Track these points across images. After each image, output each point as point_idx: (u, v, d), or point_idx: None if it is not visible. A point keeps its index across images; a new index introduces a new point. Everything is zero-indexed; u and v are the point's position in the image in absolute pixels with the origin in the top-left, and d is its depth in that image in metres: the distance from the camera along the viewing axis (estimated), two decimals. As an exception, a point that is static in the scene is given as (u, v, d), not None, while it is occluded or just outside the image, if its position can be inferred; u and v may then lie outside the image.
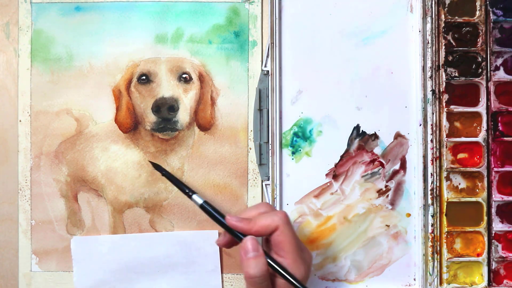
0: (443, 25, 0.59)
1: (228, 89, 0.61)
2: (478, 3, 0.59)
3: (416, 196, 0.60)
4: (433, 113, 0.59)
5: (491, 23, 0.59)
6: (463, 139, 0.59)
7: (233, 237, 0.51)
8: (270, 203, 0.59)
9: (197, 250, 0.59)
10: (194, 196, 0.54)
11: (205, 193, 0.60)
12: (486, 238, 0.59)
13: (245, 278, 0.49)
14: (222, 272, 0.60)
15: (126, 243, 0.59)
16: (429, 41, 0.59)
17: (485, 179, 0.59)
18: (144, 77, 0.60)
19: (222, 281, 0.60)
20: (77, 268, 0.59)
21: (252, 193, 0.60)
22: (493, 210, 0.59)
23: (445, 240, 0.59)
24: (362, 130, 0.60)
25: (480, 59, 0.59)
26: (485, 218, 0.59)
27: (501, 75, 0.60)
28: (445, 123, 0.59)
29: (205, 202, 0.53)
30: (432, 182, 0.59)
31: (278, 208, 0.59)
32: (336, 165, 0.60)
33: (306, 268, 0.50)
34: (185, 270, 0.59)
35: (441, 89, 0.59)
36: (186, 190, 0.55)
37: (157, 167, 0.57)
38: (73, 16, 0.60)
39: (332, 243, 0.60)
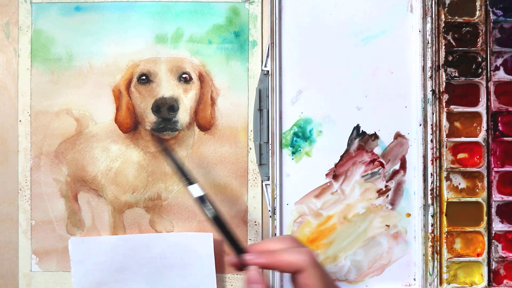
0: (443, 25, 0.59)
1: (228, 89, 0.61)
2: (478, 3, 0.59)
3: (416, 196, 0.60)
4: (433, 113, 0.59)
5: (491, 23, 0.59)
6: (463, 139, 0.59)
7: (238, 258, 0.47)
8: (270, 203, 0.59)
9: (193, 252, 0.59)
10: (194, 186, 0.48)
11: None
12: (486, 238, 0.59)
13: None
14: (216, 274, 0.60)
15: (123, 244, 0.59)
16: (429, 41, 0.59)
17: (485, 179, 0.59)
18: (144, 77, 0.60)
19: (217, 283, 0.60)
20: (75, 269, 0.59)
21: (252, 193, 0.60)
22: (493, 210, 0.59)
23: (445, 240, 0.59)
24: (362, 130, 0.60)
25: (480, 59, 0.59)
26: (485, 218, 0.59)
27: (501, 75, 0.60)
28: (445, 123, 0.59)
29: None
30: (432, 182, 0.59)
31: (278, 208, 0.59)
32: (336, 165, 0.60)
33: None
34: (181, 272, 0.59)
35: (441, 89, 0.59)
36: (187, 177, 0.49)
37: (159, 140, 0.53)
38: (73, 16, 0.60)
39: (332, 243, 0.60)
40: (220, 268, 0.60)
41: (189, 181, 0.49)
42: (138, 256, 0.59)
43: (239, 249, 0.47)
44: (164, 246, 0.59)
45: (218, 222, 0.48)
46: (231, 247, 0.47)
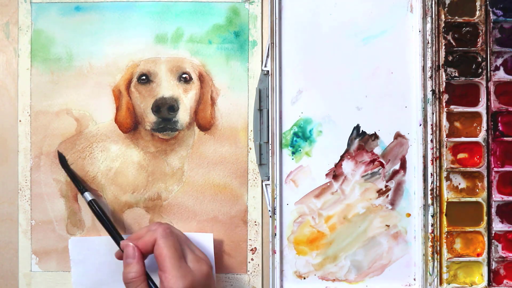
0: (443, 25, 0.59)
1: (228, 89, 0.61)
2: (478, 3, 0.59)
3: (416, 196, 0.60)
4: (433, 113, 0.59)
5: (491, 23, 0.59)
6: (463, 139, 0.59)
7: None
8: (270, 203, 0.59)
9: None
10: (86, 194, 0.58)
11: (205, 193, 0.60)
12: (486, 238, 0.59)
13: (123, 280, 0.52)
14: (215, 273, 0.60)
15: None
16: (429, 41, 0.59)
17: (485, 179, 0.59)
18: (144, 77, 0.60)
19: (217, 283, 0.60)
20: (75, 269, 0.59)
21: (252, 193, 0.60)
22: (493, 210, 0.59)
23: (445, 240, 0.59)
24: (362, 130, 0.60)
25: (480, 59, 0.59)
26: (485, 218, 0.59)
27: (501, 75, 0.60)
28: (445, 123, 0.59)
29: (93, 201, 0.58)
30: (432, 182, 0.59)
31: (278, 208, 0.59)
32: (336, 165, 0.60)
33: (189, 282, 0.50)
34: None
35: (441, 89, 0.59)
36: (80, 187, 0.59)
37: (61, 158, 0.60)
38: (73, 16, 0.60)
39: (332, 243, 0.60)
40: (220, 268, 0.60)
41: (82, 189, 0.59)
42: None
43: (117, 238, 0.56)
44: None
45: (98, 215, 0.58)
46: (112, 238, 0.56)
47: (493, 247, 0.59)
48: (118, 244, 0.55)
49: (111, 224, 0.57)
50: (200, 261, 0.53)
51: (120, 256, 0.55)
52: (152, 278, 0.54)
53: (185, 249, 0.53)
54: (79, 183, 0.59)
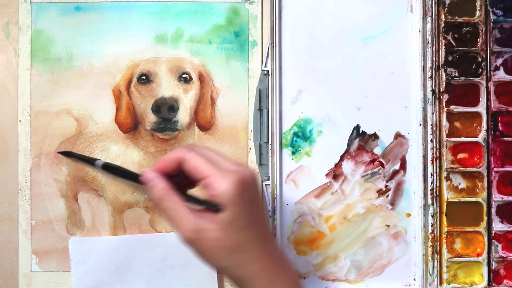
0: (443, 25, 0.59)
1: (228, 89, 0.61)
2: (478, 3, 0.59)
3: (416, 196, 0.60)
4: (433, 113, 0.59)
5: (491, 23, 0.59)
6: (463, 139, 0.59)
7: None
8: (270, 203, 0.59)
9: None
10: (97, 162, 0.49)
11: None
12: (486, 238, 0.59)
13: (154, 205, 0.46)
14: (217, 273, 0.60)
15: (124, 244, 0.59)
16: (429, 41, 0.59)
17: (485, 179, 0.59)
18: (144, 77, 0.60)
19: (218, 283, 0.60)
20: (75, 269, 0.59)
21: (252, 193, 0.60)
22: (493, 210, 0.59)
23: (445, 240, 0.59)
24: (362, 130, 0.60)
25: (480, 59, 0.59)
26: (485, 218, 0.59)
27: (501, 75, 0.60)
28: (445, 123, 0.59)
29: (106, 163, 0.49)
30: (432, 182, 0.59)
31: (278, 208, 0.59)
32: (336, 165, 0.60)
33: (239, 177, 0.43)
34: (181, 272, 0.59)
35: (441, 89, 0.59)
36: (91, 160, 0.51)
37: (66, 154, 0.55)
38: (73, 16, 0.60)
39: (332, 243, 0.60)
40: (220, 268, 0.60)
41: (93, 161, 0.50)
42: (138, 256, 0.59)
43: (135, 176, 0.48)
44: (164, 246, 0.59)
45: (109, 168, 0.49)
46: (129, 180, 0.48)
47: (493, 247, 0.59)
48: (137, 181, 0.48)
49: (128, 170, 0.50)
50: (241, 165, 0.46)
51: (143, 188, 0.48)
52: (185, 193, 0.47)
53: (219, 157, 0.46)
54: (88, 158, 0.53)
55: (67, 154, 0.55)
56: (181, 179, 0.47)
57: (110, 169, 0.50)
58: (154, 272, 0.59)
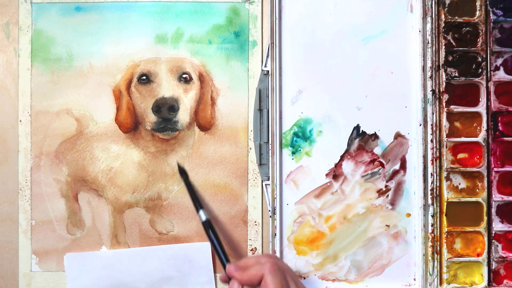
0: (443, 25, 0.59)
1: (228, 89, 0.61)
2: (478, 3, 0.59)
3: (416, 196, 0.60)
4: (433, 113, 0.59)
5: (491, 23, 0.59)
6: (463, 139, 0.60)
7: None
8: (270, 203, 0.59)
9: (190, 263, 0.59)
10: (200, 212, 0.56)
11: (205, 193, 0.60)
12: (486, 238, 0.59)
13: None
14: (216, 283, 0.60)
15: (119, 259, 0.59)
16: (429, 41, 0.59)
17: (485, 179, 0.59)
18: (144, 77, 0.60)
19: (216, 282, 0.60)
20: (71, 285, 0.59)
21: (252, 193, 0.60)
22: (493, 210, 0.59)
23: (445, 240, 0.59)
24: (362, 130, 0.60)
25: (480, 59, 0.59)
26: (485, 218, 0.59)
27: (501, 75, 0.60)
28: (445, 123, 0.59)
29: (209, 225, 0.55)
30: (432, 182, 0.59)
31: (278, 208, 0.59)
32: (336, 165, 0.60)
33: None
34: (179, 284, 0.59)
35: (441, 89, 0.59)
36: (197, 204, 0.57)
37: (182, 172, 0.59)
38: (73, 16, 0.60)
39: (332, 243, 0.60)
40: (220, 268, 0.60)
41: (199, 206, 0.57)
42: (135, 270, 0.59)
43: (226, 259, 0.53)
44: (160, 259, 0.59)
45: (211, 231, 0.55)
46: (219, 258, 0.54)
47: (493, 247, 0.59)
48: (224, 266, 0.53)
49: (221, 247, 0.54)
50: None
51: (224, 279, 0.53)
52: None
53: (291, 285, 0.51)
54: (197, 200, 0.57)
55: (184, 175, 0.59)
56: None
57: (207, 228, 0.55)
58: (151, 286, 0.59)
